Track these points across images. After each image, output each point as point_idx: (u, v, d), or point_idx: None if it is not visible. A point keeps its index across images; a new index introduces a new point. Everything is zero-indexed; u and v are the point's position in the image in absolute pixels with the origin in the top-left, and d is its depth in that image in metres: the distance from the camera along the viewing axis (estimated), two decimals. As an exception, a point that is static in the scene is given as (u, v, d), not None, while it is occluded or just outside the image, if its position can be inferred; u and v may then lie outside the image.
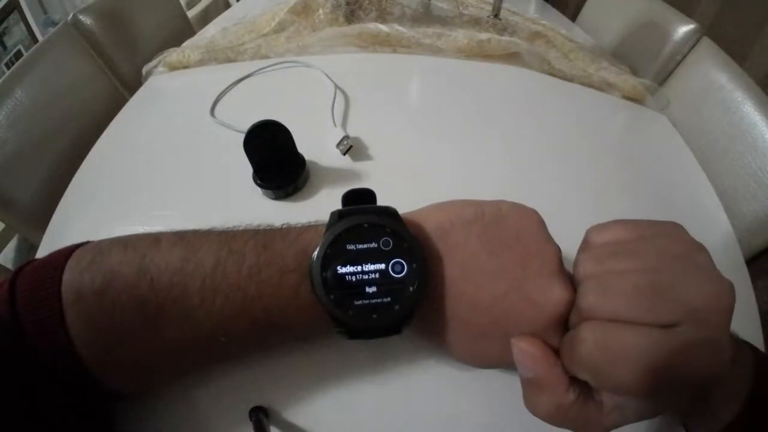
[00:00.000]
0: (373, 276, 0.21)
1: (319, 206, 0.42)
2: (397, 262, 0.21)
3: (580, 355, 0.19)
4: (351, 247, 0.21)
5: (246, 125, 0.38)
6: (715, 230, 0.46)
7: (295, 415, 0.28)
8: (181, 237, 0.24)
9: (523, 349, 0.20)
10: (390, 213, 0.23)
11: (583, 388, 0.20)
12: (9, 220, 0.55)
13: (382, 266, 0.21)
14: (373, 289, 0.21)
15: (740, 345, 0.23)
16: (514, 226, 0.24)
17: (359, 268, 0.21)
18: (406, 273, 0.21)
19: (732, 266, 0.42)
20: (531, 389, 0.21)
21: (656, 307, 0.18)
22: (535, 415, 0.20)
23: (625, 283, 0.19)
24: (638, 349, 0.17)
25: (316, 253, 0.21)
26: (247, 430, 0.26)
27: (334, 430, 0.28)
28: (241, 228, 0.26)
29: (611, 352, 0.18)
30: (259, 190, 0.42)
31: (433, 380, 0.29)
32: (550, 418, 0.20)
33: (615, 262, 0.20)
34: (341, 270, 0.21)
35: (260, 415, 0.27)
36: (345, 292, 0.21)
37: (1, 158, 0.52)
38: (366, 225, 0.22)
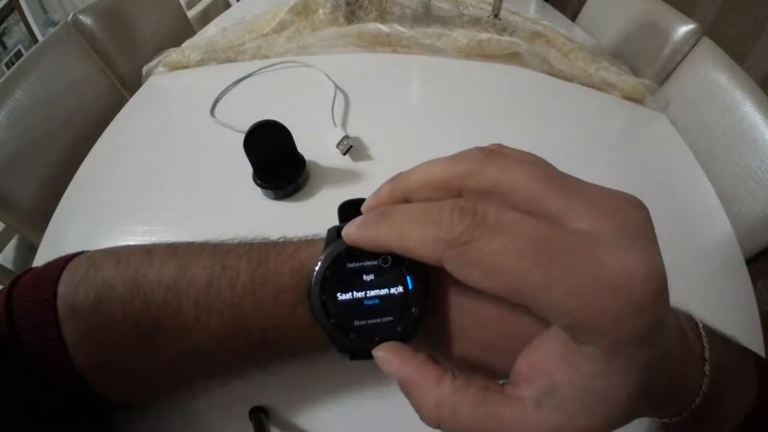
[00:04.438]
0: (373, 295, 0.20)
1: (319, 206, 0.42)
2: (398, 281, 0.21)
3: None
4: (351, 266, 0.20)
5: (246, 125, 0.38)
6: (715, 230, 0.46)
7: (295, 415, 0.28)
8: (174, 251, 0.24)
9: (379, 356, 0.18)
10: None
11: (470, 375, 0.17)
12: (9, 220, 0.55)
13: (383, 285, 0.21)
14: (374, 309, 0.20)
15: (744, 354, 0.23)
16: None
17: (359, 288, 0.20)
18: (407, 291, 0.21)
19: (732, 266, 0.42)
20: (407, 396, 0.18)
21: None
22: (427, 424, 0.17)
23: None
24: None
25: (314, 273, 0.21)
26: (247, 430, 0.26)
27: (334, 430, 0.28)
28: (235, 242, 0.25)
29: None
30: (259, 190, 0.42)
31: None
32: (441, 422, 0.16)
33: None
34: (341, 292, 0.20)
35: (260, 415, 0.27)
36: (345, 314, 0.20)
37: (1, 158, 0.52)
38: None
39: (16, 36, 1.59)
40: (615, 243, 0.14)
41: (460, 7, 0.77)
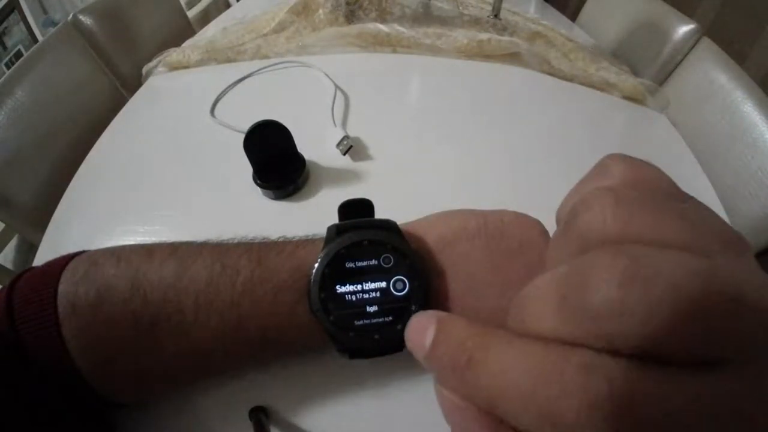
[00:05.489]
0: (374, 295, 0.20)
1: (319, 206, 0.42)
2: (398, 280, 0.20)
3: (592, 302, 0.10)
4: (350, 264, 0.20)
5: (246, 125, 0.38)
6: (715, 230, 0.46)
7: (295, 415, 0.28)
8: (174, 250, 0.24)
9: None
10: (390, 227, 0.22)
11: None
12: (9, 220, 0.55)
13: (383, 284, 0.20)
14: (374, 308, 0.20)
15: None
16: (518, 238, 0.23)
17: (359, 287, 0.20)
18: (408, 291, 0.20)
19: (732, 266, 0.42)
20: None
21: (695, 229, 0.11)
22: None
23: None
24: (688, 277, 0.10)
25: (314, 271, 0.20)
26: (247, 430, 0.26)
27: (334, 430, 0.28)
28: (235, 241, 0.25)
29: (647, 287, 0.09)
30: (259, 190, 0.42)
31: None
32: None
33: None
34: (341, 289, 0.20)
35: (260, 415, 0.27)
36: (345, 313, 0.20)
37: (1, 158, 0.52)
38: (366, 242, 0.21)
39: (16, 36, 1.59)
40: None
41: (460, 7, 0.77)
